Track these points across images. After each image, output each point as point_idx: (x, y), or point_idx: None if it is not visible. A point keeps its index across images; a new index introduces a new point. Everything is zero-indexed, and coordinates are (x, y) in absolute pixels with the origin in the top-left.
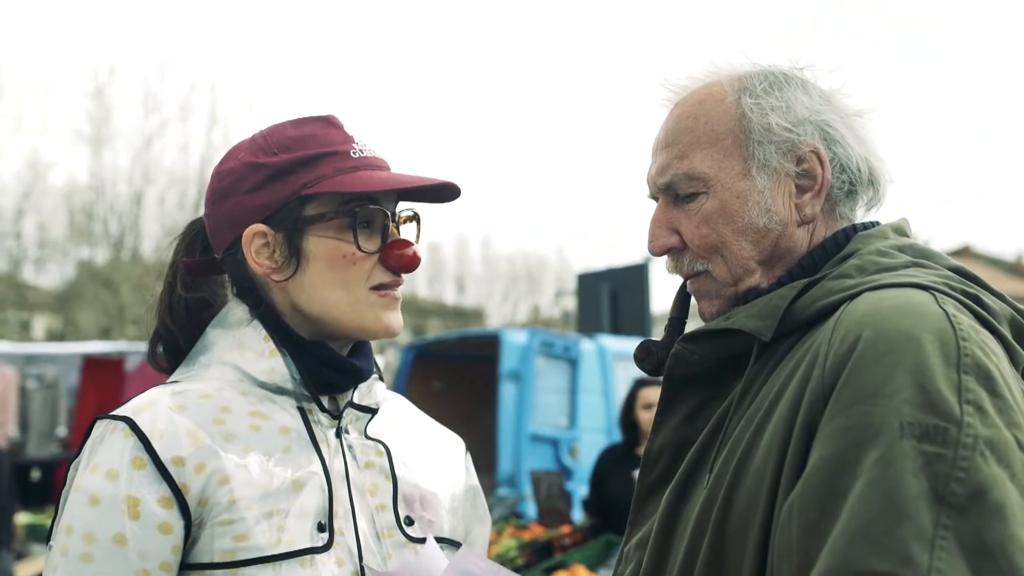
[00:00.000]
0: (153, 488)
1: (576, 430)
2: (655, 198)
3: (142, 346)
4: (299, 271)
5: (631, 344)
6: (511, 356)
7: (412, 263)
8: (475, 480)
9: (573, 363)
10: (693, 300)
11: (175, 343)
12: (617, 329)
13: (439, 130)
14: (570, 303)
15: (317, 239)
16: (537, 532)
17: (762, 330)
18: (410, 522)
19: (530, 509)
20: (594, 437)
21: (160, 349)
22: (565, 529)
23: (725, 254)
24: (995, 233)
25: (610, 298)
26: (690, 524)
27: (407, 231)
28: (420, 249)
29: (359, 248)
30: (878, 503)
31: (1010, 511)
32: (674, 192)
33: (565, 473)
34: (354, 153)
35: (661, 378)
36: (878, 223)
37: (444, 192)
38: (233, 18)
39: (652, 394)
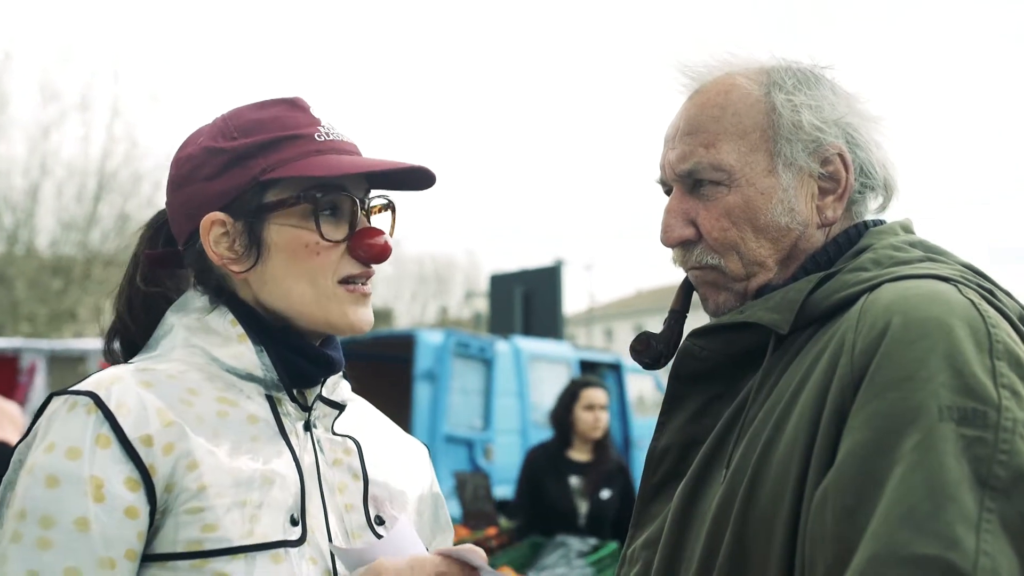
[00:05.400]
0: (119, 468)
1: (491, 431)
2: (668, 187)
3: (37, 343)
4: (260, 262)
5: (546, 345)
6: (426, 356)
7: (382, 253)
8: (438, 488)
9: (488, 364)
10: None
11: (131, 338)
12: (529, 330)
13: (349, 129)
14: (481, 304)
15: (278, 228)
16: (462, 534)
17: (779, 323)
18: (380, 522)
19: (452, 510)
20: (509, 438)
21: (116, 344)
22: (491, 531)
23: (742, 251)
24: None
25: (523, 299)
26: (707, 521)
27: (381, 221)
28: (391, 240)
29: (322, 237)
30: (921, 487)
31: None
32: (694, 180)
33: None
34: (319, 136)
35: (595, 380)
36: (885, 221)
37: (418, 179)
38: (136, 4)
39: (594, 395)
